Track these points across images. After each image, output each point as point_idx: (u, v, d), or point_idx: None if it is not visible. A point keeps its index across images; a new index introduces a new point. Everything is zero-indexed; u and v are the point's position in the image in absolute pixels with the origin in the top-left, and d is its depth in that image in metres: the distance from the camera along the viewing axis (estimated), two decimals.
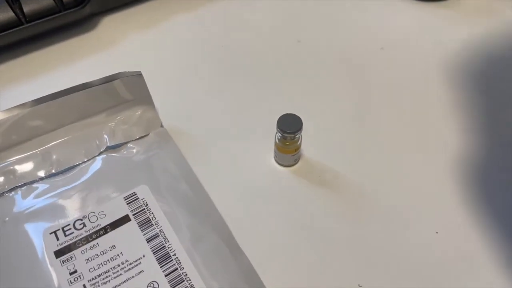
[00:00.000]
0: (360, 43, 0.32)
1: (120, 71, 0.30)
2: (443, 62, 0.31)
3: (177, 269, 0.21)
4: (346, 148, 0.27)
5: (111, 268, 0.21)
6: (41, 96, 0.24)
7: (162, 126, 0.27)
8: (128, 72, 0.26)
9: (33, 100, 0.24)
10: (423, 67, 0.31)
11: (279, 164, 0.26)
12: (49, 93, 0.24)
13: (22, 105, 0.24)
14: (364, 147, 0.27)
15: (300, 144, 0.25)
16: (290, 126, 0.24)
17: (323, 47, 0.32)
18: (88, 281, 0.21)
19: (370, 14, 0.34)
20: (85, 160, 0.25)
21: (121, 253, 0.22)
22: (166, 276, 0.21)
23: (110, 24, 0.33)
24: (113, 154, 0.26)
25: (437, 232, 0.23)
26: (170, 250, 0.22)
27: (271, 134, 0.26)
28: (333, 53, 0.31)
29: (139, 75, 0.26)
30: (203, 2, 0.35)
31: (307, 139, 0.26)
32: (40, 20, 0.30)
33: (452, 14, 0.34)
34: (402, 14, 0.34)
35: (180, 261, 0.21)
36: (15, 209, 0.23)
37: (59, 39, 0.32)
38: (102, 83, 0.25)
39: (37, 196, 0.24)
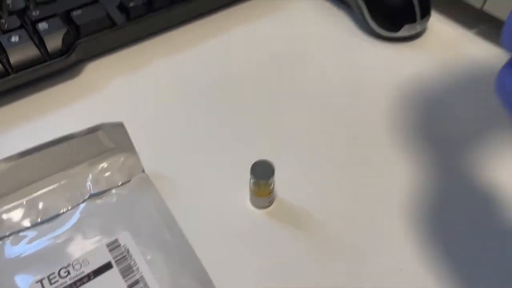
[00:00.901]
0: (330, 85, 0.34)
1: (104, 116, 0.31)
2: (404, 102, 0.33)
3: None
4: (317, 189, 0.28)
5: None
6: (25, 145, 0.26)
7: (143, 171, 0.28)
8: (110, 122, 0.27)
9: (19, 153, 0.25)
10: (388, 107, 0.33)
11: (255, 206, 0.27)
12: (34, 145, 0.26)
13: (9, 158, 0.25)
14: (332, 188, 0.28)
15: (273, 187, 0.27)
16: (263, 172, 0.25)
17: (295, 91, 0.34)
18: None
19: (338, 55, 0.36)
20: (70, 208, 0.26)
21: None
22: None
23: (94, 70, 0.34)
24: (96, 201, 0.27)
25: (401, 269, 0.25)
26: None
27: (247, 178, 0.28)
28: (305, 96, 0.33)
29: (120, 124, 0.28)
30: (184, 46, 0.36)
31: (281, 181, 0.28)
32: (27, 70, 0.31)
33: (416, 54, 0.36)
34: (370, 54, 0.36)
35: None
36: (1, 259, 0.24)
37: (44, 87, 0.33)
38: (85, 134, 0.27)
39: (23, 245, 0.25)
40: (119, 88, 0.33)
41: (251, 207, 0.27)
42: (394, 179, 0.29)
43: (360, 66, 0.36)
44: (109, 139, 0.27)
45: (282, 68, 0.35)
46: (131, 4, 0.35)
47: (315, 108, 0.33)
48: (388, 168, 0.29)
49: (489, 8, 0.35)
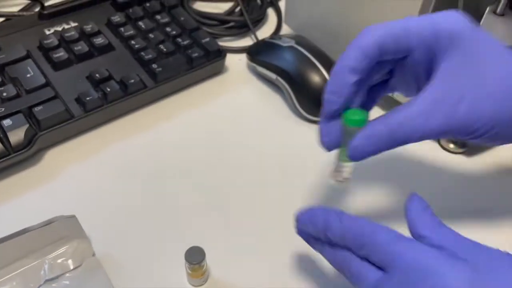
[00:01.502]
0: (264, 167, 0.39)
1: (60, 203, 0.35)
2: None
3: None
4: (247, 269, 0.33)
5: None
6: None
7: (94, 254, 0.32)
8: (63, 216, 0.31)
9: None
10: (315, 183, 0.38)
11: (191, 285, 0.31)
12: None
13: None
14: (262, 267, 0.33)
15: (206, 268, 0.31)
16: (195, 257, 0.30)
17: (230, 175, 0.38)
18: None
19: (271, 137, 0.41)
20: None
21: None
22: None
23: (52, 157, 0.39)
24: (52, 285, 0.31)
25: None
26: None
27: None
28: (238, 179, 0.38)
29: (73, 217, 0.32)
30: (135, 131, 0.41)
31: (213, 261, 0.32)
32: None
33: None
34: (298, 135, 0.41)
35: None
36: None
37: (4, 176, 0.37)
38: (41, 227, 0.31)
39: None
40: (75, 175, 0.38)
41: (189, 286, 0.32)
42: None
43: (290, 147, 0.41)
44: (63, 230, 0.31)
45: (222, 153, 0.40)
46: (88, 98, 0.39)
47: (247, 189, 0.37)
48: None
49: (398, 96, 0.41)
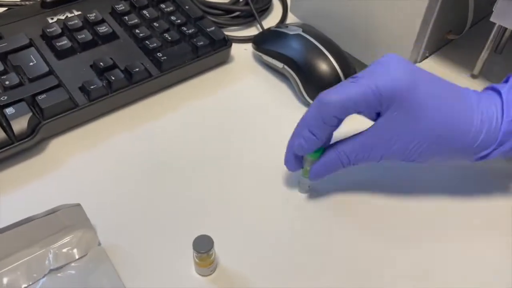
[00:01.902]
0: (271, 156, 0.38)
1: (64, 192, 0.35)
2: None
3: None
4: (255, 257, 0.32)
5: None
6: None
7: (99, 244, 0.32)
8: (68, 204, 0.31)
9: None
10: None
11: (199, 274, 0.31)
12: (1, 227, 0.29)
13: None
14: (268, 256, 0.32)
15: (214, 258, 0.30)
16: (203, 246, 0.29)
17: (238, 164, 0.38)
18: None
19: (278, 125, 0.40)
20: (31, 283, 0.29)
21: None
22: None
23: (57, 147, 0.38)
24: (57, 274, 0.30)
25: None
26: None
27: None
28: (245, 169, 0.37)
29: (78, 205, 0.31)
30: (140, 121, 0.40)
31: (222, 251, 0.32)
32: None
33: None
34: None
35: None
36: None
37: (8, 165, 0.36)
38: (45, 215, 0.30)
39: None
40: (79, 165, 0.37)
41: (196, 275, 0.31)
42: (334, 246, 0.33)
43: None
44: (68, 218, 0.31)
45: (228, 142, 0.39)
46: (92, 87, 0.39)
47: (254, 180, 0.37)
48: (328, 234, 0.33)
49: None
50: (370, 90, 0.31)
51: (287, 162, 0.35)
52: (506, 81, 0.33)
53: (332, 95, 0.32)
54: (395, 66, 0.31)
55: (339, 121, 0.32)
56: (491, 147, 0.31)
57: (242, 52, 0.48)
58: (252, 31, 0.50)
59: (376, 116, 0.32)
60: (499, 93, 0.32)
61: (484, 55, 0.38)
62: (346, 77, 0.40)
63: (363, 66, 0.43)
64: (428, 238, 0.34)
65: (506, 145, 0.31)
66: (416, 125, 0.31)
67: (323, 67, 0.41)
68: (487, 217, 0.35)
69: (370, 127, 0.32)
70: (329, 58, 0.41)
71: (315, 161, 0.34)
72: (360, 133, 0.33)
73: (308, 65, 0.41)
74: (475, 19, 0.41)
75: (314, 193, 0.36)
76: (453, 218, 0.35)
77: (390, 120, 0.31)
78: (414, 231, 0.34)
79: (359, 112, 0.32)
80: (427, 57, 0.41)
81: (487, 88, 0.34)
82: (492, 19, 0.35)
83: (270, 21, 0.52)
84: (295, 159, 0.35)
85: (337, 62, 0.41)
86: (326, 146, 0.34)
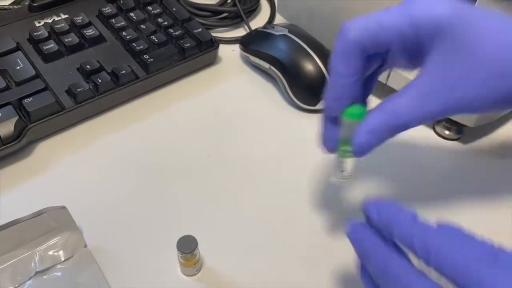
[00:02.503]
0: (255, 158, 0.38)
1: (51, 195, 0.35)
2: (321, 166, 0.38)
3: None
4: (239, 257, 0.32)
5: None
6: None
7: (85, 246, 0.32)
8: (54, 206, 0.31)
9: None
10: (308, 173, 0.37)
11: (184, 275, 0.31)
12: None
13: None
14: (253, 255, 0.32)
15: (199, 258, 0.30)
16: (187, 246, 0.29)
17: (223, 164, 0.38)
18: None
19: (265, 127, 0.41)
20: (17, 285, 0.29)
21: None
22: None
23: (43, 150, 0.38)
24: (43, 277, 0.30)
25: None
26: None
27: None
28: (232, 168, 0.38)
29: (63, 207, 0.31)
30: (126, 123, 0.41)
31: (206, 251, 0.32)
32: None
33: None
34: (292, 124, 0.41)
35: None
36: None
37: None
38: (31, 218, 0.30)
39: None
40: (66, 167, 0.37)
41: (182, 275, 0.31)
42: (316, 244, 0.33)
43: (283, 135, 0.40)
44: (54, 221, 0.31)
45: (215, 143, 0.40)
46: (79, 89, 0.39)
47: (240, 179, 0.37)
48: (310, 233, 0.34)
49: (391, 83, 0.41)
50: (405, 18, 0.25)
51: (325, 139, 0.29)
52: None
53: (356, 22, 0.26)
54: None
55: (368, 58, 0.26)
56: None
57: (229, 53, 0.48)
58: (240, 32, 0.50)
59: (411, 62, 0.27)
60: None
61: None
62: None
63: None
64: None
65: None
66: (473, 62, 0.25)
67: (308, 67, 0.41)
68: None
69: (417, 76, 0.26)
70: (314, 59, 0.41)
71: (356, 124, 0.27)
72: (410, 84, 0.27)
73: (293, 65, 0.41)
74: None
75: (302, 192, 0.36)
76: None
77: (438, 63, 0.25)
78: None
79: (391, 55, 0.27)
80: None
81: None
82: None
83: (258, 21, 0.52)
84: (332, 130, 0.28)
85: (322, 62, 0.41)
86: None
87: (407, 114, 0.26)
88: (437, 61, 0.25)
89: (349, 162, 0.29)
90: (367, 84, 0.29)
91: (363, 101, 0.29)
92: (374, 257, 0.23)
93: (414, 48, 0.26)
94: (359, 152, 0.27)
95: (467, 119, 0.38)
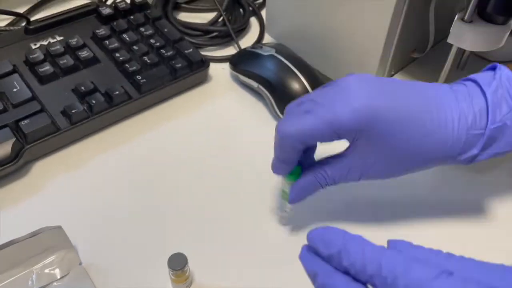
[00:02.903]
0: (246, 173, 0.40)
1: (47, 214, 0.36)
2: None
3: None
4: (229, 272, 0.34)
5: None
6: None
7: (80, 263, 0.33)
8: (50, 226, 0.32)
9: None
10: None
11: None
12: None
13: None
14: (241, 270, 0.34)
15: (189, 274, 0.32)
16: (177, 263, 0.31)
17: (212, 182, 0.40)
18: None
19: (253, 142, 0.42)
20: None
21: None
22: None
23: (40, 169, 0.40)
24: None
25: None
26: None
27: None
28: (219, 186, 0.39)
29: (59, 227, 0.33)
30: (120, 142, 0.42)
31: (197, 267, 0.33)
32: None
33: None
34: None
35: None
36: None
37: None
38: (28, 238, 0.32)
39: None
40: (61, 187, 0.39)
41: None
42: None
43: (271, 152, 0.41)
44: (49, 240, 0.32)
45: (206, 160, 0.41)
46: (73, 111, 0.40)
47: (230, 195, 0.38)
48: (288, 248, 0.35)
49: None
50: (325, 125, 0.31)
51: (273, 168, 0.35)
52: (490, 69, 0.33)
53: (288, 128, 0.32)
54: (355, 94, 0.30)
55: (301, 150, 0.33)
56: (474, 149, 0.31)
57: (220, 71, 0.50)
58: (230, 50, 0.52)
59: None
60: (481, 90, 0.31)
61: (445, 72, 0.40)
62: None
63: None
64: None
65: (492, 148, 0.31)
66: (386, 151, 0.31)
67: (295, 86, 0.43)
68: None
69: (344, 151, 0.33)
70: (300, 78, 0.42)
71: (293, 183, 0.35)
72: (337, 154, 0.33)
73: (280, 85, 0.43)
74: (438, 38, 0.43)
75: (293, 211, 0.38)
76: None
77: (358, 149, 0.32)
78: None
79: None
80: (393, 74, 0.43)
81: (467, 79, 0.33)
82: (449, 40, 0.37)
83: (248, 40, 0.54)
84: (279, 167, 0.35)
85: (307, 81, 0.43)
86: (305, 165, 0.35)
87: (330, 177, 0.34)
88: (358, 150, 0.32)
89: (288, 205, 0.36)
90: (308, 150, 0.35)
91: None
92: (317, 277, 0.24)
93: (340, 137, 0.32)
94: (293, 202, 0.35)
95: None
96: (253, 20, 0.56)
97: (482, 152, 0.31)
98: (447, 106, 0.31)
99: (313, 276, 0.24)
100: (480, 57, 0.46)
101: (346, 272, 0.23)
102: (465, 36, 0.35)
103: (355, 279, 0.23)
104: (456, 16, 0.36)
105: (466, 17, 0.35)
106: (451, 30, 0.36)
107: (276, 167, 0.34)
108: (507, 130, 0.31)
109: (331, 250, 0.24)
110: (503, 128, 0.31)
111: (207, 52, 0.51)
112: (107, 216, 0.37)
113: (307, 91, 0.42)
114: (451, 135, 0.31)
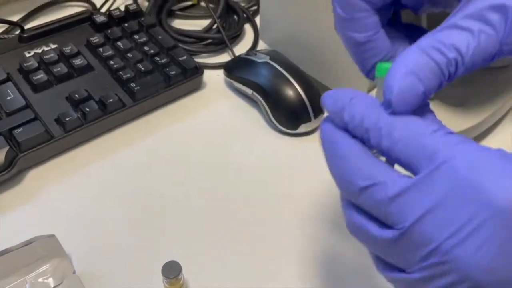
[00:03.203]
0: (241, 180, 0.40)
1: (40, 223, 0.36)
2: (299, 186, 0.39)
3: None
4: (223, 279, 0.34)
5: None
6: None
7: (74, 272, 0.33)
8: (43, 235, 0.32)
9: None
10: (288, 193, 0.39)
11: None
12: None
13: None
14: (235, 277, 0.34)
15: (183, 282, 0.32)
16: (171, 271, 0.31)
17: (207, 189, 0.40)
18: None
19: (249, 149, 0.42)
20: None
21: None
22: None
23: (34, 177, 0.40)
24: None
25: None
26: None
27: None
28: (215, 193, 0.39)
29: (53, 236, 0.33)
30: (114, 149, 0.42)
31: (191, 275, 0.33)
32: None
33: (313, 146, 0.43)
34: (274, 146, 0.43)
35: None
36: None
37: None
38: (21, 247, 0.32)
39: None
40: (55, 195, 0.38)
41: None
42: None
43: (266, 158, 0.42)
44: (43, 249, 0.32)
45: (200, 168, 0.41)
46: (67, 118, 0.40)
47: (224, 203, 0.38)
48: (296, 255, 0.35)
49: None
50: None
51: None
52: None
53: None
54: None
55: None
56: None
57: (214, 78, 0.50)
58: (225, 57, 0.52)
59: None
60: None
61: None
62: (311, 102, 0.43)
63: (328, 90, 0.45)
64: None
65: None
66: None
67: (289, 93, 0.43)
68: None
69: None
70: (294, 85, 0.43)
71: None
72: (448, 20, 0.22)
73: (275, 91, 0.43)
74: None
75: (287, 214, 0.38)
76: None
77: None
78: None
79: None
80: None
81: None
82: None
83: (242, 47, 0.54)
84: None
85: (301, 88, 0.43)
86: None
87: (451, 49, 0.21)
88: None
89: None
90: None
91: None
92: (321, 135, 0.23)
93: None
94: (400, 106, 0.21)
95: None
96: (247, 27, 0.57)
97: None
98: None
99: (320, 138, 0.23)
100: None
101: (347, 130, 0.22)
102: None
103: (354, 137, 0.22)
104: None
105: None
106: None
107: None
108: None
109: (337, 106, 0.22)
110: None
111: (201, 59, 0.51)
112: (101, 224, 0.37)
113: (301, 98, 0.42)
114: None
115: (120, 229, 0.37)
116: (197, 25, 0.55)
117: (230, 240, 0.36)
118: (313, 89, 0.44)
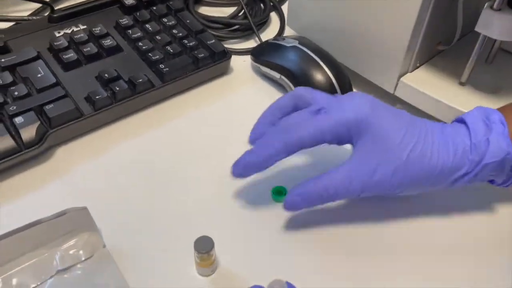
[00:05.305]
0: None
1: (71, 197, 0.36)
2: None
3: None
4: (253, 258, 0.33)
5: None
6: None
7: (104, 246, 0.33)
8: (75, 207, 0.32)
9: None
10: None
11: (200, 275, 0.32)
12: (8, 231, 0.30)
13: None
14: (264, 257, 0.34)
15: (215, 258, 0.32)
16: (204, 246, 0.30)
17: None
18: None
19: None
20: (39, 283, 0.30)
21: None
22: None
23: (63, 154, 0.40)
24: (63, 275, 0.31)
25: None
26: None
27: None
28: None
29: (84, 208, 0.33)
30: (143, 130, 0.42)
31: (222, 252, 0.33)
32: (4, 160, 0.36)
33: None
34: None
35: None
36: None
37: (17, 172, 0.38)
38: (53, 218, 0.32)
39: None
40: (85, 171, 0.38)
41: (197, 276, 0.32)
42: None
43: None
44: (74, 221, 0.32)
45: (227, 149, 0.40)
46: (97, 97, 0.40)
47: (253, 182, 0.38)
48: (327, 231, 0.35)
49: (398, 93, 0.42)
50: (339, 121, 0.32)
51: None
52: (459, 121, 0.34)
53: (305, 129, 0.33)
54: (359, 100, 0.33)
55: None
56: (462, 170, 0.32)
57: (241, 64, 0.50)
58: (251, 43, 0.52)
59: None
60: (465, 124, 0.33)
61: (471, 63, 0.39)
62: (340, 85, 0.42)
63: (357, 76, 0.45)
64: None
65: (473, 173, 0.32)
66: (387, 154, 0.32)
67: (318, 77, 0.42)
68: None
69: (350, 157, 0.33)
70: (324, 69, 0.42)
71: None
72: (338, 167, 0.33)
73: (304, 75, 0.43)
74: (464, 30, 0.43)
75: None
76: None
77: (362, 151, 0.32)
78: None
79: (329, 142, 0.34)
80: (418, 67, 0.43)
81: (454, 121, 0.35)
82: (476, 29, 0.36)
83: (268, 34, 0.54)
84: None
85: (332, 72, 0.42)
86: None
87: (331, 190, 0.32)
88: (361, 150, 0.33)
89: None
90: None
91: None
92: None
93: (346, 139, 0.34)
94: (289, 208, 0.34)
95: None
96: (273, 16, 0.56)
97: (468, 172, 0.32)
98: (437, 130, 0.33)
99: None
100: (509, 52, 0.45)
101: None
102: (493, 24, 0.35)
103: None
104: (486, 5, 0.35)
105: (495, 5, 0.35)
106: (479, 18, 0.35)
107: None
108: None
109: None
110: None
111: (228, 45, 0.51)
112: (131, 200, 0.37)
113: (331, 82, 0.42)
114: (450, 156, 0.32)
115: (150, 205, 0.36)
116: (223, 12, 0.55)
117: (263, 218, 0.36)
118: (343, 73, 0.43)
